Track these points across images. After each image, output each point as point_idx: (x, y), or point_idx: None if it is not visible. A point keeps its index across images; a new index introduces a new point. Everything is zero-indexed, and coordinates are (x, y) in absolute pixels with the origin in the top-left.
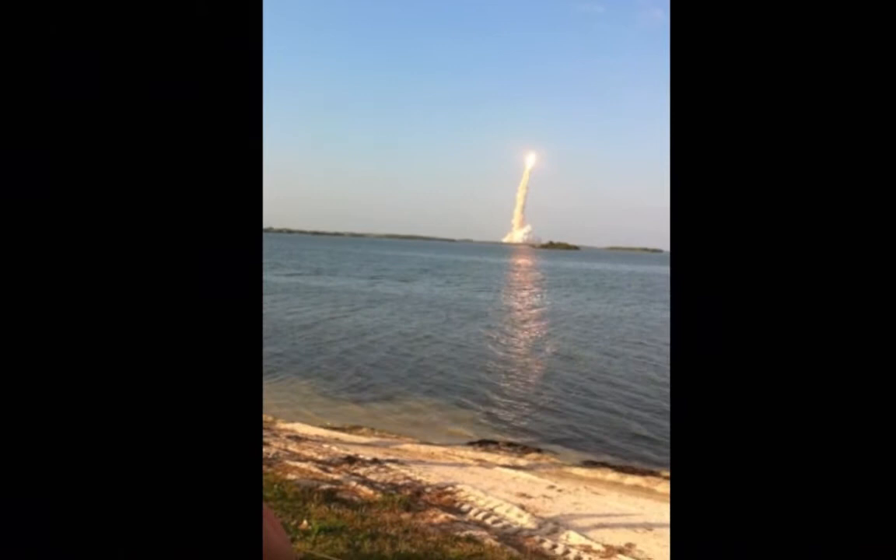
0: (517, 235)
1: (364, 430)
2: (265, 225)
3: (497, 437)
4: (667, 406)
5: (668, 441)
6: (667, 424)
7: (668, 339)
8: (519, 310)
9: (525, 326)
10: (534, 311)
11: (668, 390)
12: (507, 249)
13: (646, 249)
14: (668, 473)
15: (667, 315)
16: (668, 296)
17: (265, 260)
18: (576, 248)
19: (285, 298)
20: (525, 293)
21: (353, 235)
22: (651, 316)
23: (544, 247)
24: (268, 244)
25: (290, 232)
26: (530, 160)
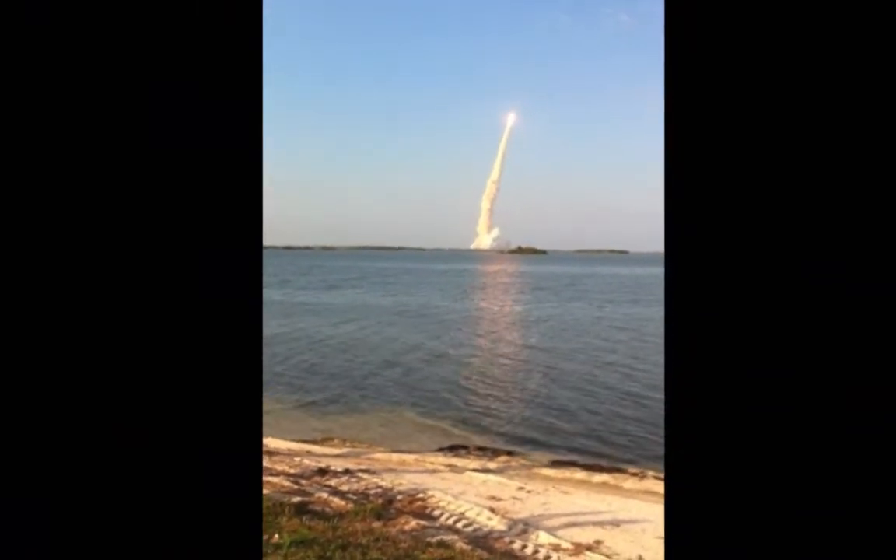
0: (485, 241)
1: (335, 441)
2: None
3: (467, 441)
4: (630, 405)
5: (632, 439)
6: (631, 424)
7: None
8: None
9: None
10: (449, 312)
11: (627, 388)
12: (473, 256)
13: (613, 251)
14: (634, 470)
15: (585, 312)
16: (598, 295)
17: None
18: (543, 252)
19: None
20: (451, 295)
21: (324, 248)
22: (563, 313)
23: (512, 252)
24: None
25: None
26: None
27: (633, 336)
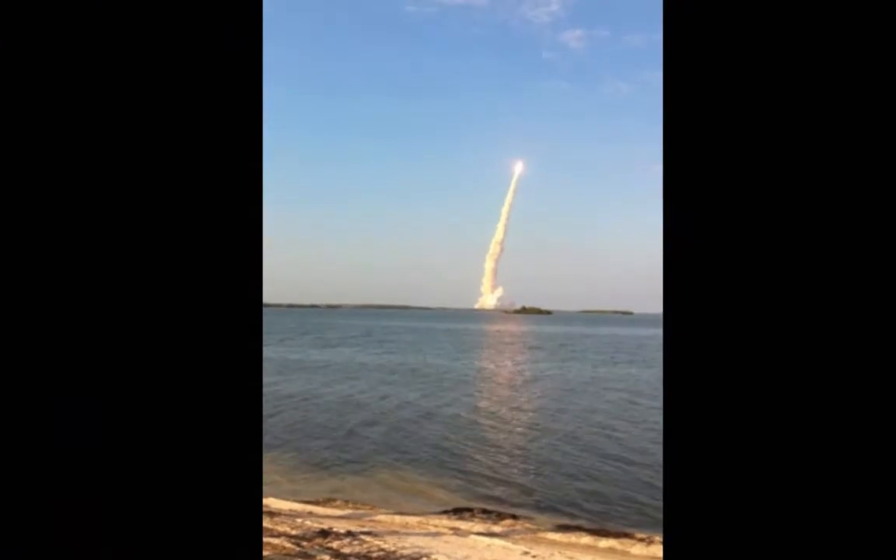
0: (489, 301)
1: (338, 502)
2: None
3: (470, 503)
4: (636, 461)
5: (641, 505)
6: (639, 488)
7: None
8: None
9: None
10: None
11: (631, 445)
12: (476, 316)
13: (616, 312)
14: (641, 535)
15: (580, 373)
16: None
17: None
18: (548, 312)
19: None
20: (449, 355)
21: (329, 307)
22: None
23: (517, 311)
24: None
25: (266, 305)
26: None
27: (623, 396)
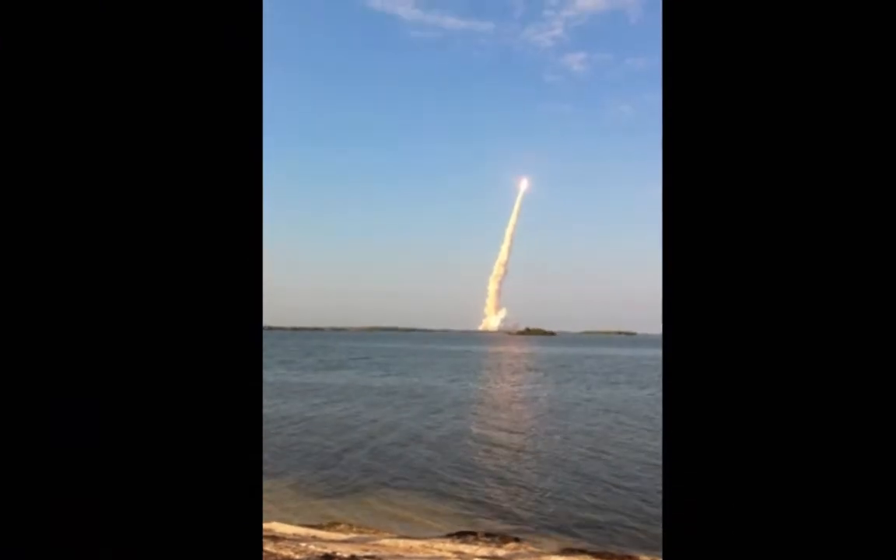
0: (493, 322)
1: (342, 525)
2: None
3: (473, 526)
4: (626, 486)
5: (646, 526)
6: (631, 511)
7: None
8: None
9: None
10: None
11: (629, 469)
12: (479, 338)
13: (621, 333)
14: (645, 557)
15: (577, 394)
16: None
17: None
18: (552, 333)
19: None
20: (447, 376)
21: (334, 329)
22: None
23: (521, 333)
24: None
25: (270, 329)
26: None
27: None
